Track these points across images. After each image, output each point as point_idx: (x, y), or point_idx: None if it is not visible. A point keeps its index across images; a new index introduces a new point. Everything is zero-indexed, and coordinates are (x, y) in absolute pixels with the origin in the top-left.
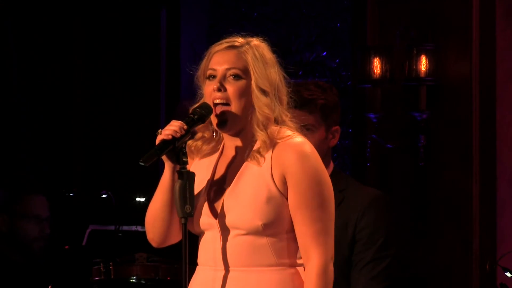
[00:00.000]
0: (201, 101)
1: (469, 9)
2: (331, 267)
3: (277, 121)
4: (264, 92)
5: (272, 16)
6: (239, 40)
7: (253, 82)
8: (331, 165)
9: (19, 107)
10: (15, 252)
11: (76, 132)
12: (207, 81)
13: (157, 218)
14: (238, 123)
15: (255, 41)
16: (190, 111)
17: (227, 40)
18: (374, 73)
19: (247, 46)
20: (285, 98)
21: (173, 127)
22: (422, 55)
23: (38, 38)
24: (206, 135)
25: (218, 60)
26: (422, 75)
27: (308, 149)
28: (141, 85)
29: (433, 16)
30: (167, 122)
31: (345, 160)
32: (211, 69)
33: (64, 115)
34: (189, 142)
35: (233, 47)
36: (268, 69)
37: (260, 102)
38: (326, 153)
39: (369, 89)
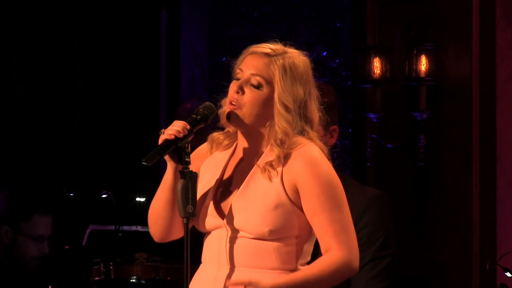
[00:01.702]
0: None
1: (469, 9)
2: (353, 267)
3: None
4: (285, 107)
5: (272, 16)
6: (276, 49)
7: (276, 95)
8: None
9: (19, 107)
10: (11, 264)
11: (76, 132)
12: (234, 80)
13: (159, 216)
14: (244, 124)
15: (293, 53)
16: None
17: (265, 45)
18: (374, 73)
19: (279, 58)
20: (314, 118)
21: (176, 127)
22: (422, 55)
23: (38, 38)
24: (230, 129)
25: (248, 63)
26: (422, 75)
27: (316, 155)
28: (141, 85)
29: (433, 16)
30: (167, 122)
31: (345, 160)
32: (239, 69)
33: (64, 115)
34: (215, 134)
35: (266, 54)
36: (296, 85)
37: (280, 116)
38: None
39: (369, 89)
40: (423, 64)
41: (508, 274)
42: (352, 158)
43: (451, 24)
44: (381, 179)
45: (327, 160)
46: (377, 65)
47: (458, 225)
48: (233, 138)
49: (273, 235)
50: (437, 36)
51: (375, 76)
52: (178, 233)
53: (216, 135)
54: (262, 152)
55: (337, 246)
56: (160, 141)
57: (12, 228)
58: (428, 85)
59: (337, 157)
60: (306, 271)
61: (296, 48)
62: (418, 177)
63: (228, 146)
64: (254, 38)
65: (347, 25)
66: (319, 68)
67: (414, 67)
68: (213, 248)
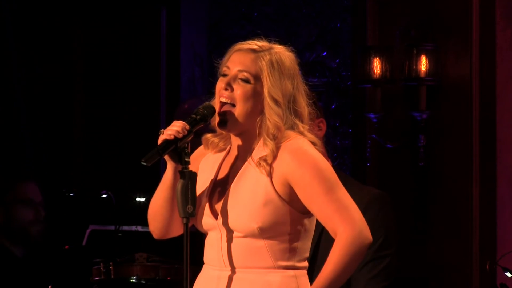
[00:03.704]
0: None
1: (469, 9)
2: (361, 238)
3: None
4: (275, 101)
5: (272, 16)
6: (262, 45)
7: (265, 90)
8: (329, 163)
9: (19, 107)
10: (13, 240)
11: (76, 132)
12: (220, 77)
13: (157, 213)
14: (239, 125)
15: (279, 49)
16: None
17: (251, 41)
18: (374, 73)
19: (266, 53)
20: (304, 112)
21: (175, 127)
22: (422, 55)
23: (38, 38)
24: (224, 131)
25: (235, 59)
26: (422, 75)
27: (302, 145)
28: (141, 85)
29: (433, 16)
30: (167, 122)
31: (345, 160)
32: (226, 66)
33: (64, 115)
34: (208, 135)
35: (253, 50)
36: (284, 79)
37: (271, 110)
38: None
39: (369, 89)
40: (423, 64)
41: (508, 274)
42: (352, 158)
43: (451, 24)
44: (381, 179)
45: (314, 148)
46: (377, 65)
47: (458, 225)
48: (227, 139)
49: (264, 233)
50: (437, 36)
51: (375, 76)
52: (177, 230)
53: (210, 137)
54: (252, 149)
55: (342, 226)
56: (159, 141)
57: (2, 203)
58: (428, 85)
59: (337, 157)
60: (322, 275)
61: (285, 46)
62: (418, 177)
63: (222, 149)
64: (254, 38)
65: (347, 25)
66: (319, 68)
67: (414, 67)
68: (212, 249)
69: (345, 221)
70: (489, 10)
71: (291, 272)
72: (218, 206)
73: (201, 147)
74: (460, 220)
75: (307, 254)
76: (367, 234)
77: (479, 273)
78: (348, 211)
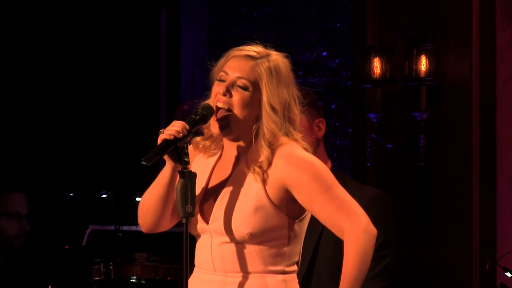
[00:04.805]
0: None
1: (469, 9)
2: (369, 229)
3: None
4: (273, 109)
5: (272, 16)
6: (260, 51)
7: (264, 98)
8: (329, 163)
9: (19, 107)
10: None
11: (76, 132)
12: (217, 82)
13: (149, 209)
14: (238, 129)
15: (276, 56)
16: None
17: (248, 47)
18: (374, 73)
19: (265, 60)
20: (297, 119)
21: (175, 127)
22: (422, 55)
23: (38, 38)
24: (221, 136)
25: (233, 65)
26: (422, 75)
27: (294, 149)
28: (141, 85)
29: (433, 16)
30: (167, 122)
31: (345, 160)
32: (223, 71)
33: (64, 115)
34: (198, 139)
35: (251, 57)
36: (281, 87)
37: (268, 118)
38: (317, 145)
39: (369, 89)
40: (423, 64)
41: (508, 274)
42: (352, 158)
43: (451, 24)
44: (381, 179)
45: (302, 149)
46: (377, 65)
47: (458, 225)
48: (218, 142)
49: (254, 238)
50: (437, 36)
51: (375, 76)
52: (165, 226)
53: (200, 140)
54: (246, 156)
55: (349, 221)
56: (159, 141)
57: None
58: (428, 85)
59: (337, 157)
60: (346, 274)
61: (279, 51)
62: (418, 177)
63: (214, 153)
64: (254, 38)
65: (347, 25)
66: (319, 68)
67: (414, 67)
68: (202, 253)
69: (351, 217)
70: (489, 10)
71: (281, 276)
72: (209, 211)
73: (190, 147)
74: (460, 220)
75: (297, 258)
76: (373, 227)
77: (479, 273)
78: (351, 206)
